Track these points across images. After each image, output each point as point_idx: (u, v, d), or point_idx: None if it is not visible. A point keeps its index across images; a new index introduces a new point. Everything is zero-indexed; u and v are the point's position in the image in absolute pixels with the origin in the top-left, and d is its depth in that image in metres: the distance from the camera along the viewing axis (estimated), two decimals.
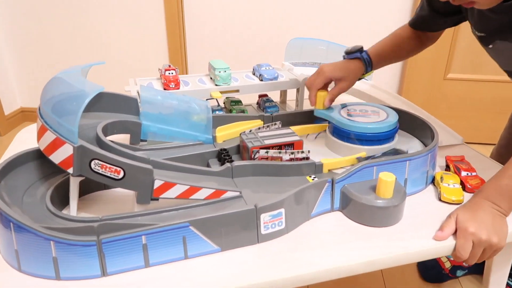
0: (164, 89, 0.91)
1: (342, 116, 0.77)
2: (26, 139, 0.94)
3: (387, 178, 0.61)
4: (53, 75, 0.61)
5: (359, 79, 0.85)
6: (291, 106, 1.07)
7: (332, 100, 0.80)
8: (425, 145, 0.80)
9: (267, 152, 0.69)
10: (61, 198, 0.64)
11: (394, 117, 0.76)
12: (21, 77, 2.15)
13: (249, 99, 1.06)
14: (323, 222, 0.64)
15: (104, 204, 0.68)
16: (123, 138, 0.76)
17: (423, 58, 1.60)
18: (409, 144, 0.80)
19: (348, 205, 0.65)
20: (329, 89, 0.83)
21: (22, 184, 0.62)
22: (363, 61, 0.82)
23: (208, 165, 0.73)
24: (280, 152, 0.70)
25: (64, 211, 0.64)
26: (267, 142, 0.71)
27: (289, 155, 0.70)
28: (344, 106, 0.82)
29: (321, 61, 1.10)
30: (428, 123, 0.78)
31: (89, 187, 0.69)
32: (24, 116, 2.25)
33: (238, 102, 1.03)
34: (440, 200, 0.69)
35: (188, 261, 0.56)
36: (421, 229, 0.63)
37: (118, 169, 0.56)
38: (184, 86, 0.93)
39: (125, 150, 0.62)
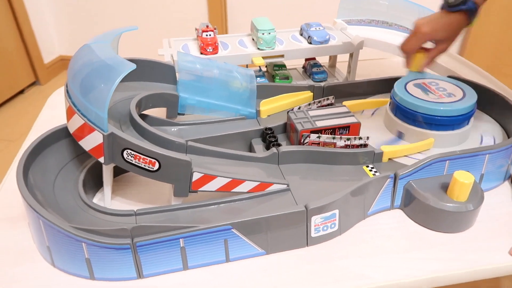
0: (201, 53, 0.81)
1: (409, 92, 0.66)
2: (57, 104, 0.89)
3: (464, 179, 0.52)
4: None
5: None
6: (341, 71, 0.95)
7: (429, 64, 0.70)
8: (505, 130, 0.68)
9: (319, 137, 0.61)
10: (95, 180, 0.60)
11: (472, 97, 0.64)
12: (60, 25, 2.10)
13: (294, 61, 0.95)
14: (380, 222, 0.57)
15: (139, 186, 0.63)
16: (158, 109, 0.70)
17: (496, 5, 1.37)
18: (486, 129, 0.68)
19: (411, 204, 0.56)
20: None
21: (54, 165, 0.57)
22: (468, 12, 0.64)
23: (251, 145, 0.66)
24: (334, 138, 0.61)
25: (99, 194, 0.60)
26: (319, 124, 0.62)
27: (344, 141, 0.61)
28: (410, 79, 0.70)
29: (380, 18, 0.95)
30: None
31: (120, 168, 0.63)
32: (64, 64, 2.23)
33: (282, 66, 0.92)
34: None
35: (230, 264, 0.51)
36: (495, 239, 0.54)
37: (153, 160, 0.49)
38: (222, 50, 0.83)
39: (161, 134, 0.56)
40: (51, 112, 0.86)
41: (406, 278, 0.49)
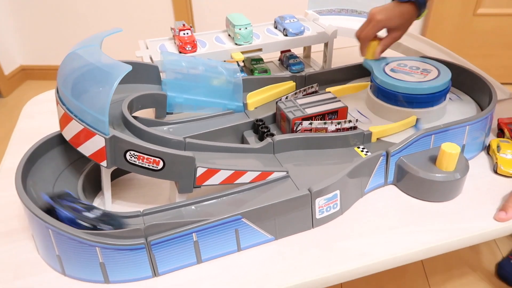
0: (180, 52, 0.81)
1: (388, 75, 0.69)
2: (33, 114, 0.87)
3: (451, 150, 0.56)
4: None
5: None
6: (316, 60, 0.98)
7: (383, 51, 0.73)
8: (478, 103, 0.73)
9: (311, 124, 0.63)
10: (92, 186, 0.59)
11: (447, 74, 0.68)
12: (19, 33, 1.99)
13: (270, 54, 0.97)
14: (376, 199, 0.60)
15: (136, 188, 0.63)
16: (145, 111, 0.70)
17: None
18: (460, 103, 0.73)
19: (404, 179, 0.60)
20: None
21: (50, 175, 0.56)
22: (417, 3, 0.69)
23: (243, 138, 0.67)
24: (325, 123, 0.63)
25: (97, 199, 0.60)
26: (309, 111, 0.64)
27: (335, 125, 0.63)
28: (387, 62, 0.73)
29: (349, 7, 0.99)
30: (485, 80, 0.71)
31: (116, 172, 0.63)
32: (26, 74, 2.12)
33: (260, 60, 0.94)
34: (495, 172, 0.63)
35: (242, 253, 0.52)
36: (478, 207, 0.58)
37: (157, 159, 0.50)
38: (201, 48, 0.83)
39: (159, 134, 0.56)
40: (29, 123, 0.83)
41: (403, 252, 0.52)
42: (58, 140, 0.59)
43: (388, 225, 0.56)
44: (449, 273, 0.96)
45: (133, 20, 1.85)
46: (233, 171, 0.54)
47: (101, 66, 0.48)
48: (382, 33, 0.73)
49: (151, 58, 0.80)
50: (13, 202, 0.58)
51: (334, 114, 0.66)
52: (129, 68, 0.47)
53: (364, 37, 0.71)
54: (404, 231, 0.55)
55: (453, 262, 0.99)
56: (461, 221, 0.56)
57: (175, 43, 0.85)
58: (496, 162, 0.64)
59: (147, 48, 0.85)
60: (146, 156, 0.49)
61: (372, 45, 0.72)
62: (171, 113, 0.71)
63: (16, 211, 0.59)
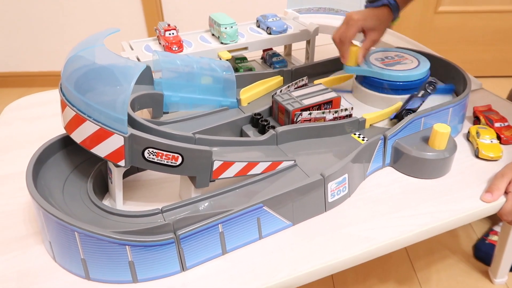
0: None
1: (374, 65, 0.74)
2: (12, 121, 0.83)
3: (443, 130, 0.60)
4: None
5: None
6: (297, 58, 1.02)
7: (365, 55, 0.73)
8: (453, 91, 0.79)
9: (310, 114, 0.66)
10: (99, 189, 0.58)
11: (426, 63, 0.74)
12: None
13: (252, 53, 0.99)
14: (376, 181, 0.63)
15: (139, 189, 0.62)
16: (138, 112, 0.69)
17: None
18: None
19: (401, 159, 0.64)
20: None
21: (56, 180, 0.54)
22: (390, 7, 0.71)
23: (242, 132, 0.69)
24: (323, 112, 0.66)
25: (104, 201, 0.59)
26: (306, 102, 0.67)
27: (333, 114, 0.67)
28: (369, 54, 0.78)
29: (326, 5, 1.03)
30: (459, 68, 0.77)
31: None
32: None
33: (244, 59, 0.95)
34: (477, 156, 0.68)
35: (263, 241, 0.53)
36: (465, 189, 0.62)
37: (176, 155, 0.50)
38: (187, 48, 0.84)
39: (169, 131, 0.56)
40: (6, 131, 0.79)
41: (403, 235, 0.55)
42: (60, 145, 0.58)
43: (388, 210, 0.58)
44: (431, 257, 1.01)
45: (102, 24, 1.80)
46: (247, 163, 0.56)
47: (115, 65, 0.47)
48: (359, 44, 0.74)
49: (138, 59, 0.79)
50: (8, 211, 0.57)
51: (329, 103, 0.69)
52: (143, 66, 0.48)
53: (345, 39, 0.70)
54: (402, 214, 0.58)
55: (434, 247, 1.04)
56: (451, 202, 0.59)
57: (160, 43, 0.85)
58: (477, 147, 0.68)
59: (132, 49, 0.84)
60: (165, 153, 0.49)
61: (353, 52, 0.71)
62: (167, 113, 0.71)
63: (10, 220, 0.57)
